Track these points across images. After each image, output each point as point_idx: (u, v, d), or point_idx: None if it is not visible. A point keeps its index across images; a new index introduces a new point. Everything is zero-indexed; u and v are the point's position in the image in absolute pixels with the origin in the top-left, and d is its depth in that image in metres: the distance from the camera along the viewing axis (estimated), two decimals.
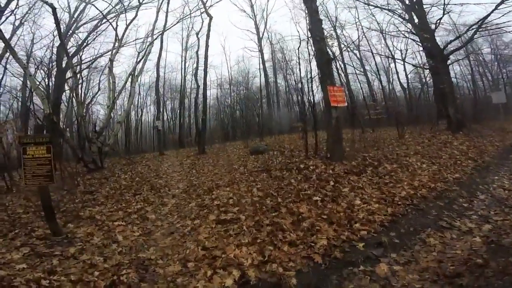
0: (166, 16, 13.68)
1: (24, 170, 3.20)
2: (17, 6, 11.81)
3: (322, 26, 7.36)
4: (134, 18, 12.12)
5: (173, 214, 4.21)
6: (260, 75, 21.01)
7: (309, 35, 7.81)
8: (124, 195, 5.71)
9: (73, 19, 13.00)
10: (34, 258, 2.68)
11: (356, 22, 16.65)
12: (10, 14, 12.57)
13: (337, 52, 15.57)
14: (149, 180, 6.92)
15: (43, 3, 7.89)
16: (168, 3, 14.00)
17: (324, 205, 3.67)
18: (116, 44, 10.67)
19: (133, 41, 13.62)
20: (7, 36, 11.14)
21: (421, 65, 14.71)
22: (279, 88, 25.32)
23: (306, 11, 8.22)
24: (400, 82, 20.52)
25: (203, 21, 14.71)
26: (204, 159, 9.67)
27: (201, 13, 14.48)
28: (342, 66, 18.80)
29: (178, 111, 25.96)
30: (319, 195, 4.02)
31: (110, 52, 11.53)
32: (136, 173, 8.10)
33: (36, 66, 14.01)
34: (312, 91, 8.01)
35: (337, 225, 3.06)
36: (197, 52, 13.48)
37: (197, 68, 12.81)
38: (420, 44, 13.03)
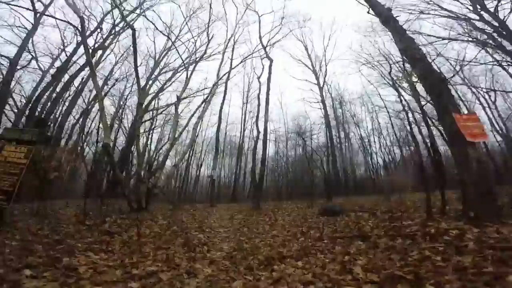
0: (231, 63, 14.37)
1: None
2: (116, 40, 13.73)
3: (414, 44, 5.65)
4: (202, 56, 12.93)
5: None
6: (326, 132, 19.27)
7: (398, 59, 6.04)
8: (146, 245, 4.00)
9: (157, 62, 14.56)
10: None
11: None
12: (110, 53, 14.85)
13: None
14: (187, 232, 5.16)
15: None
16: (233, 50, 14.92)
17: None
18: (184, 83, 10.92)
19: (201, 90, 14.17)
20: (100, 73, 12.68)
21: None
22: (343, 145, 23.05)
23: (391, 34, 6.75)
24: None
25: (263, 67, 15.20)
26: (259, 215, 7.61)
27: (262, 58, 14.97)
28: None
29: (235, 168, 25.46)
30: None
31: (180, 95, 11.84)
32: (176, 221, 6.51)
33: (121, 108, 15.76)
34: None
35: None
36: (258, 95, 13.10)
37: (258, 113, 12.11)
38: None
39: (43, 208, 6.49)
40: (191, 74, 12.43)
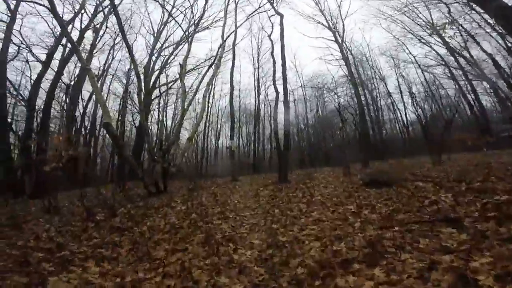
0: (236, 24, 12.69)
1: None
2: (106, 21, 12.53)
3: None
4: (201, 17, 11.45)
5: None
6: (352, 90, 17.42)
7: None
8: (159, 245, 3.23)
9: (156, 37, 13.33)
10: None
11: None
12: (103, 34, 13.82)
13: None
14: (208, 221, 4.35)
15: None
16: (236, 10, 13.21)
17: None
18: (187, 51, 9.64)
19: (208, 59, 12.81)
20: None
21: None
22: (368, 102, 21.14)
23: None
24: None
25: (272, 25, 13.60)
26: (289, 190, 6.68)
27: (270, 16, 13.34)
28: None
29: (253, 136, 24.61)
30: None
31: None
32: (196, 205, 5.77)
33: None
34: None
35: None
36: (272, 53, 11.61)
37: (274, 72, 10.68)
38: None
39: (54, 204, 6.04)
40: (192, 39, 11.18)
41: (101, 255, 3.05)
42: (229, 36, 12.48)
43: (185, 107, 9.05)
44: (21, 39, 12.07)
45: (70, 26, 12.01)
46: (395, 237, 2.63)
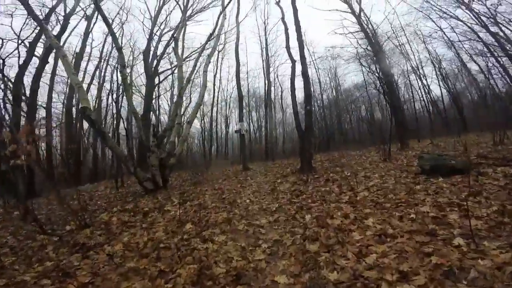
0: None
1: None
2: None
3: None
4: None
5: None
6: (375, 64, 15.42)
7: None
8: (126, 282, 2.03)
9: (154, 22, 12.06)
10: None
11: None
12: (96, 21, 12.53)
13: None
14: (207, 236, 3.08)
15: None
16: None
17: None
18: (180, 23, 8.22)
19: (208, 40, 11.18)
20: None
21: None
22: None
23: None
24: None
25: None
26: (317, 182, 5.28)
27: None
28: None
29: (263, 119, 23.17)
30: None
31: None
32: (196, 207, 4.54)
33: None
34: None
35: None
36: (282, 19, 9.99)
37: (287, 39, 9.06)
38: None
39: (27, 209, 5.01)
40: (187, 10, 9.59)
41: None
42: (229, 2, 10.79)
43: (183, 85, 7.69)
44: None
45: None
46: None
